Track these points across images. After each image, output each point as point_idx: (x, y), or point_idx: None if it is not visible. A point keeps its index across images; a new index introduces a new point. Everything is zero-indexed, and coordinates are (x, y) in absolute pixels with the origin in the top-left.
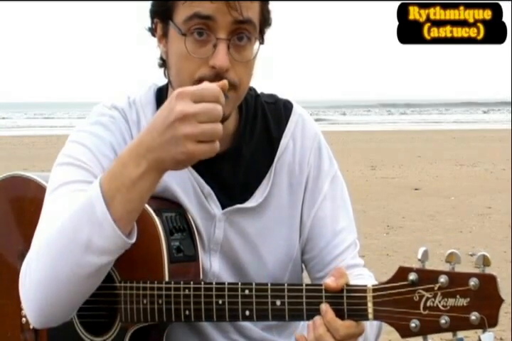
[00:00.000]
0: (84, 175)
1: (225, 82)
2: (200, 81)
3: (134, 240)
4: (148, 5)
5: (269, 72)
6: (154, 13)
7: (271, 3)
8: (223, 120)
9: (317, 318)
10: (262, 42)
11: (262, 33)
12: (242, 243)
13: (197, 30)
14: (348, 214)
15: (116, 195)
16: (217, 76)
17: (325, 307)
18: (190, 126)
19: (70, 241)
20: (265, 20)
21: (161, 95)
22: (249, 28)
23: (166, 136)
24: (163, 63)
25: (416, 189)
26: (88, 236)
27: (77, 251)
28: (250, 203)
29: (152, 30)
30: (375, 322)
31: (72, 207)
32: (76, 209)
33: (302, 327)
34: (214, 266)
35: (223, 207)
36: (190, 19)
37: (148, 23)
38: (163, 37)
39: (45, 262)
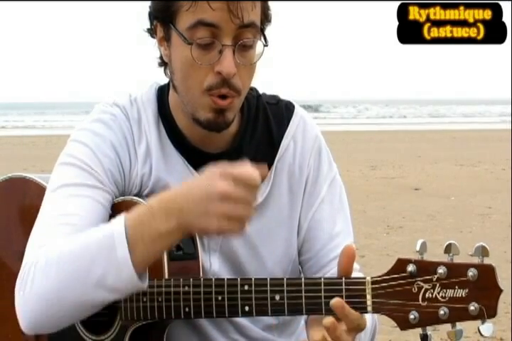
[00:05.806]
0: (85, 178)
1: (265, 171)
2: (209, 90)
3: (146, 284)
4: (147, 5)
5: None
6: (154, 16)
7: (271, 3)
8: (227, 125)
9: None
10: (266, 44)
11: (263, 31)
12: (241, 243)
13: (203, 39)
14: (346, 219)
15: (139, 243)
16: (224, 82)
17: (340, 301)
18: (228, 206)
19: (83, 270)
20: (266, 18)
21: (162, 94)
22: (253, 32)
23: (201, 207)
24: (163, 62)
25: (416, 189)
26: (103, 273)
27: (88, 283)
28: None
29: (151, 32)
30: (369, 329)
31: (91, 236)
32: (96, 241)
33: (303, 327)
34: (214, 266)
35: None
36: (194, 27)
37: (146, 24)
38: (164, 40)
39: (52, 282)
